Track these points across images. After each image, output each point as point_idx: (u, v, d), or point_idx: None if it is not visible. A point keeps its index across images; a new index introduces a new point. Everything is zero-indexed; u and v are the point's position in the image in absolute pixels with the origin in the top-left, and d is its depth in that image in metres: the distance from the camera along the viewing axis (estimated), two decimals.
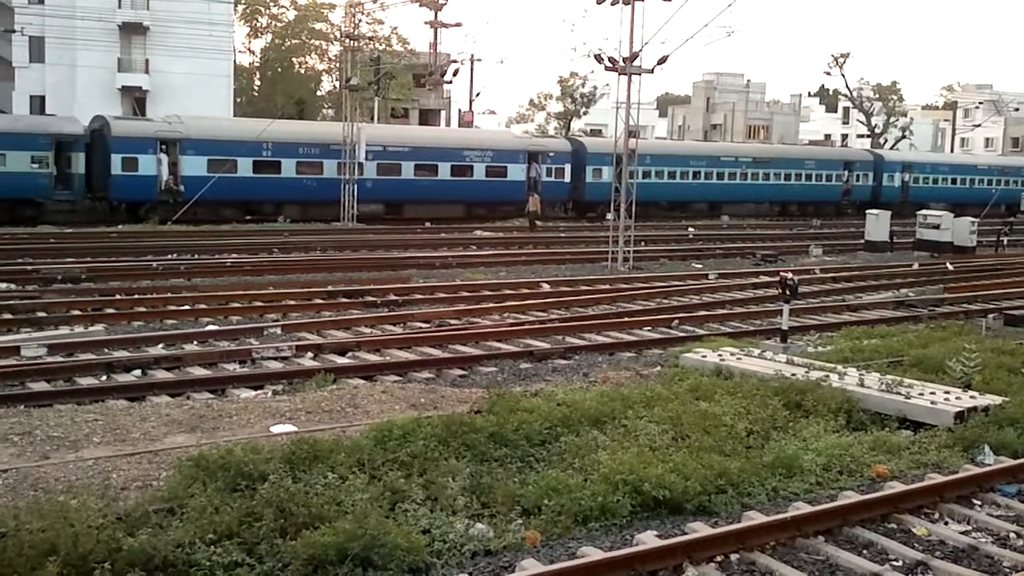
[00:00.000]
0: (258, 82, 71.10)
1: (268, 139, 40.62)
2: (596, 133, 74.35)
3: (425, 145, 45.73)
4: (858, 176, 60.20)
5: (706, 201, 52.99)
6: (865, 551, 8.29)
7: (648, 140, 63.34)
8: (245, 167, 40.20)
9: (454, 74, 63.03)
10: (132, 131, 39.57)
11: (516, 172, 46.45)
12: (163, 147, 39.23)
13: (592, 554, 7.72)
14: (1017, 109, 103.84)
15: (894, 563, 8.07)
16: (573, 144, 50.62)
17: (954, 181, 63.90)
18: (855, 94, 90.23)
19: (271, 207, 41.68)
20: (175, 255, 28.73)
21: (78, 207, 39.15)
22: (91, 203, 39.62)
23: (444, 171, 44.87)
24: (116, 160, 38.17)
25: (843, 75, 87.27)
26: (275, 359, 15.25)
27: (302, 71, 69.92)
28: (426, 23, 62.10)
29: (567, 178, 48.54)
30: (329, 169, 41.96)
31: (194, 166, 39.16)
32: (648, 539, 8.13)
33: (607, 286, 25.10)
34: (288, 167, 41.38)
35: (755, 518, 8.58)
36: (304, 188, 41.57)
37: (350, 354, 15.87)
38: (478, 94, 72.21)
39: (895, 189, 61.06)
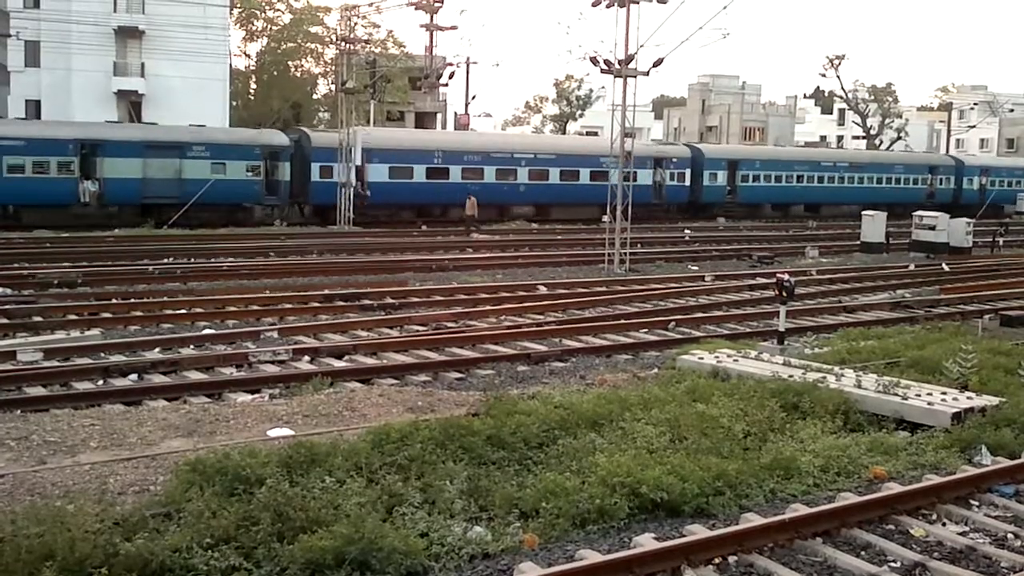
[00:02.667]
0: (254, 86, 71.03)
1: (439, 148, 45.98)
2: (592, 135, 74.39)
3: (568, 153, 50.40)
4: (941, 180, 63.86)
5: (805, 203, 55.79)
6: (863, 552, 8.29)
7: (755, 146, 70.17)
8: (420, 174, 44.93)
9: (450, 77, 62.85)
10: (328, 143, 43.40)
11: (644, 177, 49.29)
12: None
13: (590, 557, 7.72)
14: (1012, 110, 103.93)
15: (892, 564, 8.07)
16: (692, 151, 54.93)
17: None
18: (850, 96, 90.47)
19: (439, 209, 46.46)
20: (171, 259, 28.68)
21: (280, 213, 43.37)
22: (292, 207, 44.14)
23: (584, 176, 49.08)
24: (315, 168, 42.79)
25: (838, 77, 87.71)
26: (272, 363, 15.23)
27: (298, 74, 69.86)
28: (422, 26, 61.85)
29: (687, 182, 52.99)
30: (489, 175, 46.66)
31: (377, 173, 43.73)
32: (646, 541, 8.12)
33: (604, 288, 25.09)
34: (455, 173, 45.85)
35: (753, 520, 8.58)
36: (467, 192, 44.20)
37: (347, 357, 15.86)
38: (474, 97, 72.21)
39: (974, 192, 64.04)
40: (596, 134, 75.84)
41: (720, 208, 54.14)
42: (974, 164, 67.86)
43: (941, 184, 63.43)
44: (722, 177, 53.75)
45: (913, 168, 63.58)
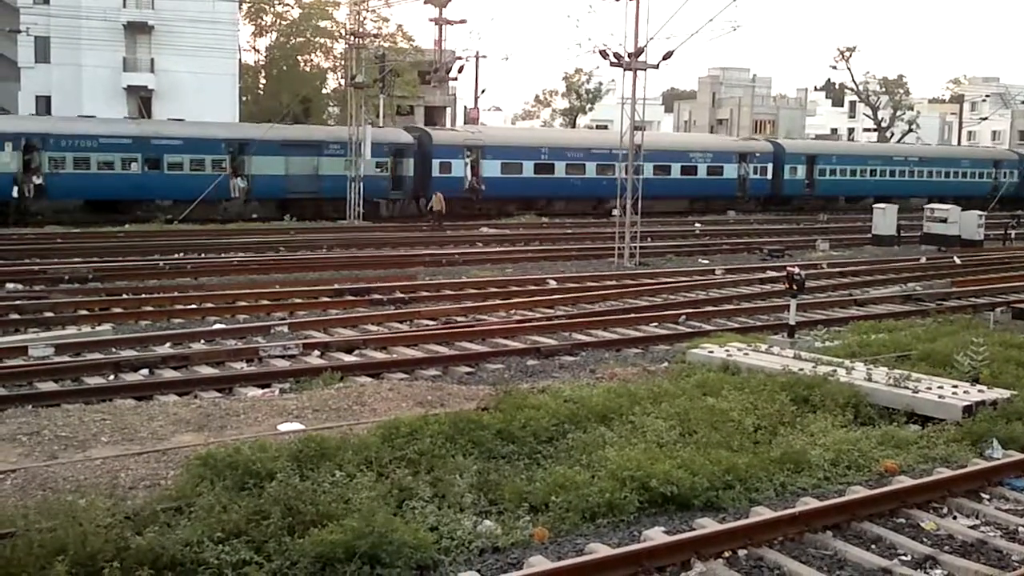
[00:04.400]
0: (263, 80, 71.05)
1: (545, 145, 48.48)
2: (602, 128, 74.24)
3: (662, 148, 51.59)
4: (1004, 173, 65.41)
5: (877, 196, 56.21)
6: (873, 546, 8.27)
7: (832, 142, 72.94)
8: (528, 169, 47.60)
9: (459, 71, 63.03)
10: (447, 140, 47.07)
11: (730, 171, 53.70)
12: (469, 153, 46.48)
13: (600, 550, 7.72)
14: None
15: (902, 557, 8.05)
16: (774, 146, 57.12)
17: None
18: (861, 88, 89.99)
19: (544, 202, 49.08)
20: (182, 254, 28.80)
21: (403, 207, 46.53)
22: (413, 202, 46.56)
23: (675, 171, 51.86)
24: (436, 164, 45.51)
25: (849, 69, 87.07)
26: (282, 357, 15.26)
27: (307, 69, 69.84)
28: (431, 20, 61.99)
29: (769, 175, 55.39)
30: (589, 170, 48.90)
31: (491, 168, 46.76)
32: (656, 535, 8.12)
33: (614, 282, 25.08)
34: (560, 168, 48.50)
35: (763, 513, 8.57)
36: (571, 186, 48.65)
37: (357, 352, 15.88)
38: (483, 91, 72.23)
39: None
40: (606, 127, 75.72)
41: (799, 200, 56.89)
42: None
43: (1005, 177, 64.73)
44: (801, 171, 56.19)
45: (979, 162, 65.67)
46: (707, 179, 53.19)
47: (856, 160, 59.47)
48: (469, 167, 46.28)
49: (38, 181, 37.82)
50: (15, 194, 37.15)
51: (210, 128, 43.22)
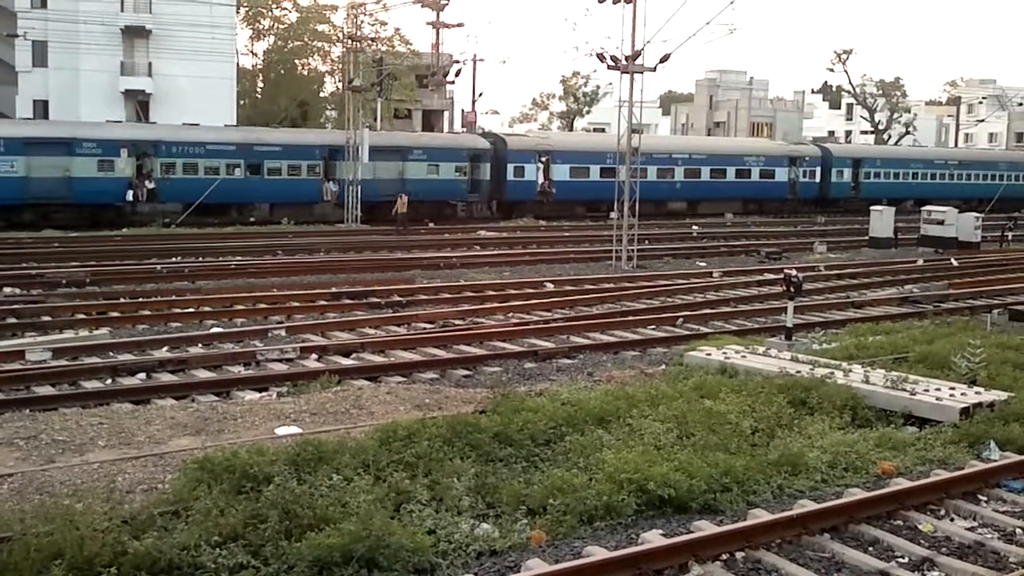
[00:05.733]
0: (261, 84, 71.02)
1: (610, 151, 48.25)
2: (599, 132, 74.22)
3: (718, 152, 56.00)
4: None
5: (918, 198, 57.82)
6: (871, 548, 8.28)
7: (877, 146, 75.23)
8: (594, 173, 49.06)
9: (456, 74, 62.93)
10: (521, 145, 49.47)
11: (781, 174, 56.37)
12: (540, 158, 48.66)
13: (597, 553, 7.72)
14: (1021, 104, 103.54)
15: (900, 560, 8.05)
16: (822, 150, 59.71)
17: None
18: (858, 90, 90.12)
19: (607, 205, 49.68)
20: (179, 258, 28.76)
21: (477, 209, 48.63)
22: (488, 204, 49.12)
23: (731, 174, 54.71)
24: (510, 168, 48.01)
25: (846, 71, 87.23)
26: (279, 361, 15.25)
27: (305, 73, 69.82)
28: (428, 24, 61.91)
29: (817, 179, 57.95)
30: (651, 173, 49.59)
31: (560, 172, 48.99)
32: (653, 538, 8.12)
33: (611, 285, 25.10)
34: (623, 172, 47.65)
35: (760, 516, 8.57)
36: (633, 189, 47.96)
37: (354, 355, 15.88)
38: (481, 94, 72.21)
39: None
40: (603, 130, 75.72)
41: (845, 202, 58.46)
42: None
43: None
44: (847, 174, 58.64)
45: (1017, 165, 67.73)
46: (760, 182, 55.84)
47: (899, 163, 61.91)
48: (541, 171, 48.51)
49: (150, 185, 40.05)
50: (130, 197, 39.50)
51: (307, 135, 46.68)
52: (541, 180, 48.49)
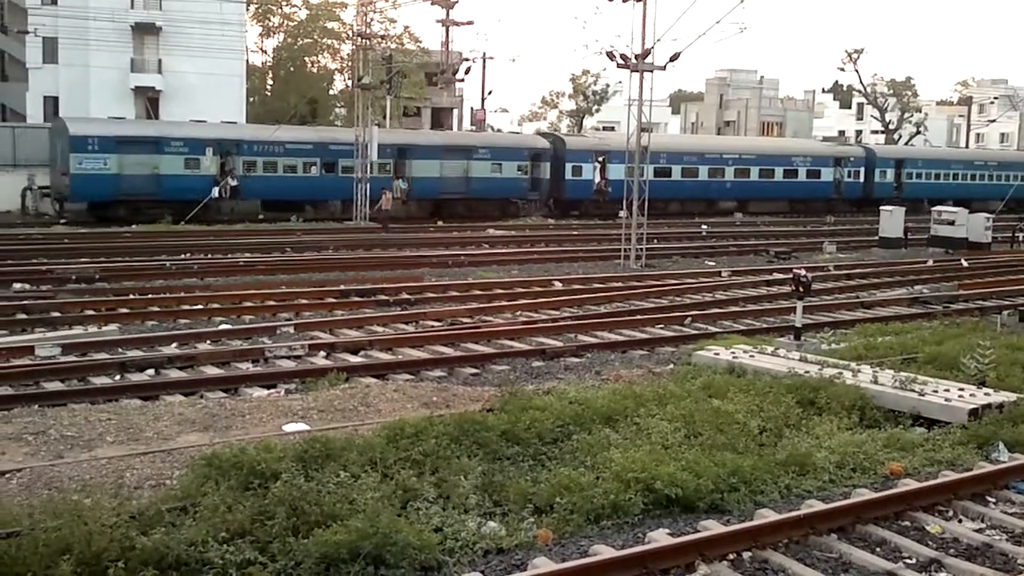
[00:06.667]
0: (271, 82, 71.15)
1: (664, 151, 50.59)
2: (608, 130, 74.12)
3: (767, 153, 57.56)
4: None
5: (957, 198, 58.21)
6: (878, 549, 8.26)
7: (919, 147, 75.90)
8: (648, 172, 47.61)
9: (466, 72, 62.97)
10: (579, 146, 51.18)
11: (826, 174, 57.90)
12: (598, 158, 49.78)
13: (604, 552, 7.72)
14: None
15: (907, 561, 8.03)
16: (866, 151, 61.74)
17: None
18: (869, 90, 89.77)
19: (662, 204, 49.63)
20: (188, 255, 28.83)
21: (537, 207, 49.28)
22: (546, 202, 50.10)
23: (779, 174, 56.19)
24: (568, 168, 49.41)
25: (857, 71, 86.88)
26: (288, 358, 15.28)
27: (314, 70, 69.94)
28: (438, 21, 61.94)
29: (862, 179, 59.41)
30: (702, 173, 53.02)
31: (616, 172, 47.26)
32: (660, 537, 8.12)
33: (620, 284, 25.07)
34: (676, 172, 52.19)
35: (768, 516, 8.56)
36: (684, 188, 52.36)
37: (362, 353, 15.89)
38: (490, 92, 71.75)
39: None
40: (613, 129, 75.61)
41: (888, 202, 57.91)
42: None
43: None
44: (890, 175, 59.92)
45: None
46: (807, 182, 57.28)
47: (940, 164, 63.16)
48: (597, 171, 49.52)
49: (233, 183, 41.72)
50: (215, 194, 40.95)
51: (380, 135, 46.80)
52: (597, 179, 49.61)
